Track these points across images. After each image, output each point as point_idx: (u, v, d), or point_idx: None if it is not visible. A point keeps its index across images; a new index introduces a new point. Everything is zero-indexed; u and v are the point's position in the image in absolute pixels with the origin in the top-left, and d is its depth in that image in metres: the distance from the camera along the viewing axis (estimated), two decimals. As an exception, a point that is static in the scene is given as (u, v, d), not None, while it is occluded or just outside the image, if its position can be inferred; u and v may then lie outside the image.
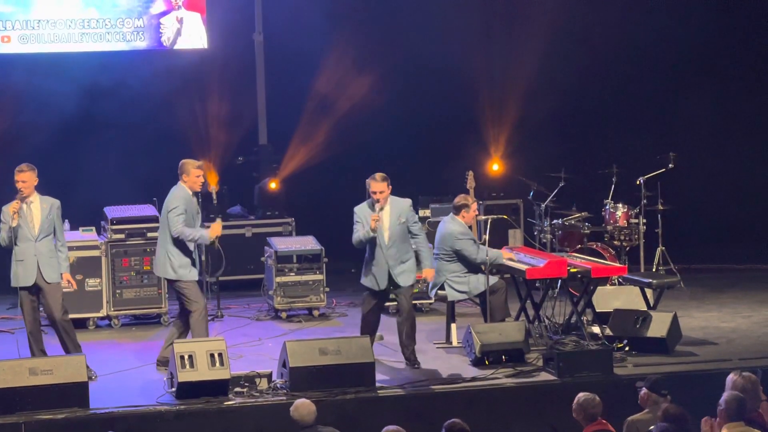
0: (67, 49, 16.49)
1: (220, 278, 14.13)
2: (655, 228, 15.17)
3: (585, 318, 12.37)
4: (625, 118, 17.88)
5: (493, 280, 12.00)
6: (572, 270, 12.11)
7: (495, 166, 17.13)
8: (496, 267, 12.33)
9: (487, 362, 11.28)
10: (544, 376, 10.98)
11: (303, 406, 8.92)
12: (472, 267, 12.07)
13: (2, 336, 13.09)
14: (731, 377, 8.40)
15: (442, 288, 12.16)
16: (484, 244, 11.94)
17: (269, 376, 10.64)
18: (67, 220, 12.76)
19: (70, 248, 12.37)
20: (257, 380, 10.56)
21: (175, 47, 16.92)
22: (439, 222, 12.55)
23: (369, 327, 11.55)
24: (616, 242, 14.88)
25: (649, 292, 12.70)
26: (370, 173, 11.52)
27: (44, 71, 16.14)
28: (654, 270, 14.87)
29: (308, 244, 14.29)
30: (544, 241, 14.84)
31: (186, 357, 10.22)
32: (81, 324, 13.09)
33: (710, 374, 10.81)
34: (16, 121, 15.97)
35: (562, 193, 15.09)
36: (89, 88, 15.95)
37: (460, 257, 12.06)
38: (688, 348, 11.92)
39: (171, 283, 11.53)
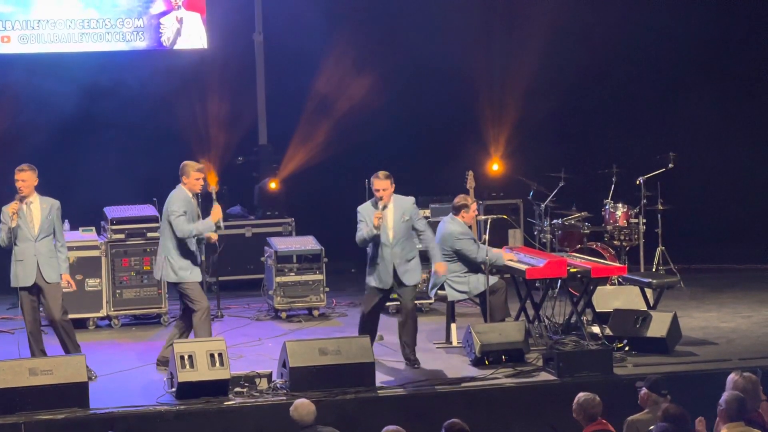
0: (66, 49, 16.48)
1: (220, 278, 14.11)
2: (655, 228, 15.16)
3: (585, 318, 12.36)
4: (625, 118, 17.87)
5: (493, 280, 11.99)
6: (572, 270, 12.10)
7: (495, 166, 17.13)
8: (496, 267, 12.33)
9: (487, 362, 11.27)
10: (544, 376, 10.97)
11: (303, 406, 8.91)
12: (473, 267, 12.07)
13: (2, 336, 13.09)
14: (731, 377, 8.39)
15: (442, 288, 12.15)
16: (484, 243, 11.95)
17: (269, 376, 10.63)
18: (67, 220, 12.76)
19: (70, 248, 12.38)
20: (257, 380, 10.55)
21: (175, 47, 16.91)
22: (438, 222, 12.54)
23: (368, 326, 11.52)
24: (615, 242, 14.87)
25: (648, 292, 12.68)
26: (370, 173, 11.50)
27: (44, 71, 16.13)
28: (654, 270, 14.87)
29: (308, 244, 14.28)
30: (544, 241, 14.83)
31: (186, 357, 10.22)
32: (81, 324, 13.08)
33: (710, 374, 10.79)
34: (16, 121, 15.97)
35: (562, 193, 15.07)
36: (89, 88, 15.94)
37: (460, 257, 12.05)
38: (688, 348, 11.91)
39: (173, 285, 11.53)
